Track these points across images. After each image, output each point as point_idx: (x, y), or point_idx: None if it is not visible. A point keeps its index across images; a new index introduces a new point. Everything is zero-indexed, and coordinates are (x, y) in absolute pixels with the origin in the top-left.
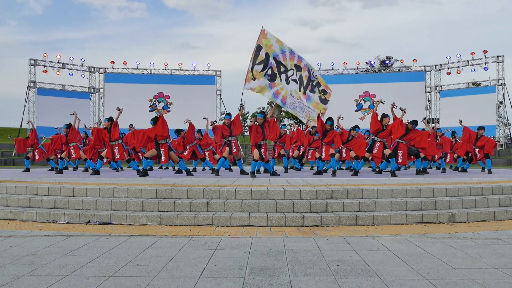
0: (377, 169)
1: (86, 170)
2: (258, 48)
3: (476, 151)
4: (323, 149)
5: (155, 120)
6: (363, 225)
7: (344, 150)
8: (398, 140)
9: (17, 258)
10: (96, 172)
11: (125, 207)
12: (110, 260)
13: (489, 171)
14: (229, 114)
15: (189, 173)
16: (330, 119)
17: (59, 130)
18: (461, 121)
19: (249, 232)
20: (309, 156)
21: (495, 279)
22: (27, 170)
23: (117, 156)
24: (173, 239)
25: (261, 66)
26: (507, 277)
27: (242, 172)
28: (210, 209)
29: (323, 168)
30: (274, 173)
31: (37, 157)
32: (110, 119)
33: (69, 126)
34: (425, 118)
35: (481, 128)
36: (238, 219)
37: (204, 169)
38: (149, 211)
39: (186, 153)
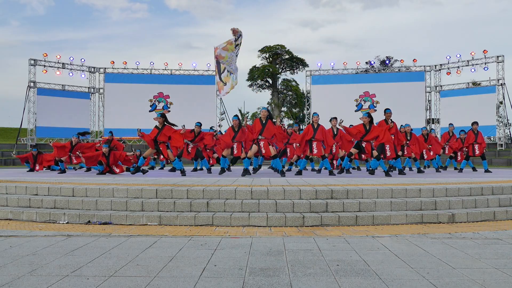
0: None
1: (88, 170)
2: (218, 62)
3: (476, 147)
4: (314, 145)
5: (169, 126)
6: (363, 225)
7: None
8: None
9: (17, 258)
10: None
11: (125, 207)
12: (110, 260)
13: (487, 171)
14: (236, 116)
15: (183, 173)
16: (315, 113)
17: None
18: (463, 131)
19: (249, 232)
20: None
21: (495, 279)
22: (31, 170)
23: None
24: (173, 239)
25: (225, 71)
26: (507, 277)
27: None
28: (210, 209)
29: (318, 169)
30: (282, 173)
31: (37, 168)
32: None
33: (78, 137)
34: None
35: (474, 123)
36: (238, 219)
37: (201, 169)
38: (149, 211)
39: (190, 150)
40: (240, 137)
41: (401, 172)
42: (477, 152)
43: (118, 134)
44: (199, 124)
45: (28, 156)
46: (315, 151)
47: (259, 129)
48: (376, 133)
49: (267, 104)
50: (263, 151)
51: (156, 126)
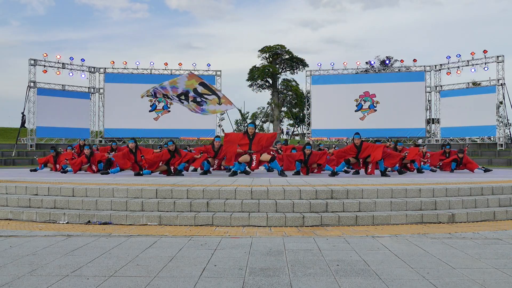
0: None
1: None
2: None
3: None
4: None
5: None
6: (363, 225)
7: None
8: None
9: (17, 258)
10: (104, 172)
11: (125, 207)
12: (110, 260)
13: (486, 170)
14: (218, 137)
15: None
16: (308, 145)
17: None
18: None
19: (249, 232)
20: None
21: (495, 279)
22: (35, 170)
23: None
24: (173, 239)
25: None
26: (507, 277)
27: (245, 172)
28: (210, 209)
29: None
30: (282, 173)
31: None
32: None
33: (90, 148)
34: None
35: (460, 151)
36: (238, 219)
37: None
38: (149, 211)
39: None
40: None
41: (401, 172)
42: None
43: (118, 134)
44: (132, 141)
45: (48, 159)
46: (315, 170)
47: (246, 143)
48: (368, 152)
49: (267, 104)
50: (254, 164)
51: (168, 151)
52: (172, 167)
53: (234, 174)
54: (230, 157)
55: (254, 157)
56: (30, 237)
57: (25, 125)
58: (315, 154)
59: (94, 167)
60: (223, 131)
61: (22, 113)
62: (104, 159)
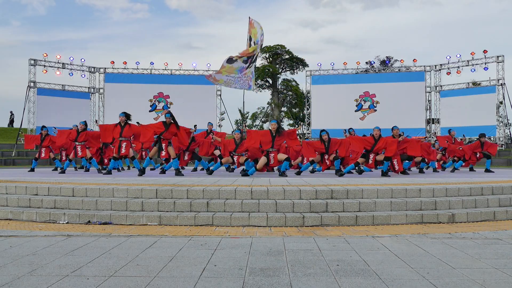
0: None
1: (87, 170)
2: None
3: (477, 155)
4: (325, 157)
5: (176, 124)
6: (363, 225)
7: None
8: None
9: (17, 258)
10: (108, 172)
11: (125, 207)
12: (110, 260)
13: (488, 170)
14: (238, 129)
15: (142, 172)
16: (323, 131)
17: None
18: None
19: (249, 232)
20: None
21: (495, 279)
22: (32, 170)
23: (123, 151)
24: (173, 239)
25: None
26: (507, 277)
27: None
28: (210, 209)
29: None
30: (283, 173)
31: (43, 155)
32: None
33: (86, 124)
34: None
35: (482, 135)
36: (238, 219)
37: (202, 169)
38: (149, 211)
39: (186, 157)
40: (240, 150)
41: (404, 172)
42: (478, 155)
43: None
44: (122, 114)
45: (36, 138)
46: (327, 162)
47: (269, 140)
48: (383, 145)
49: (267, 104)
50: (272, 162)
51: (164, 123)
52: (164, 144)
53: (246, 174)
54: (253, 154)
55: (272, 155)
56: (30, 237)
57: (18, 125)
58: (334, 142)
59: (79, 149)
60: (244, 127)
61: (11, 111)
62: (98, 148)
